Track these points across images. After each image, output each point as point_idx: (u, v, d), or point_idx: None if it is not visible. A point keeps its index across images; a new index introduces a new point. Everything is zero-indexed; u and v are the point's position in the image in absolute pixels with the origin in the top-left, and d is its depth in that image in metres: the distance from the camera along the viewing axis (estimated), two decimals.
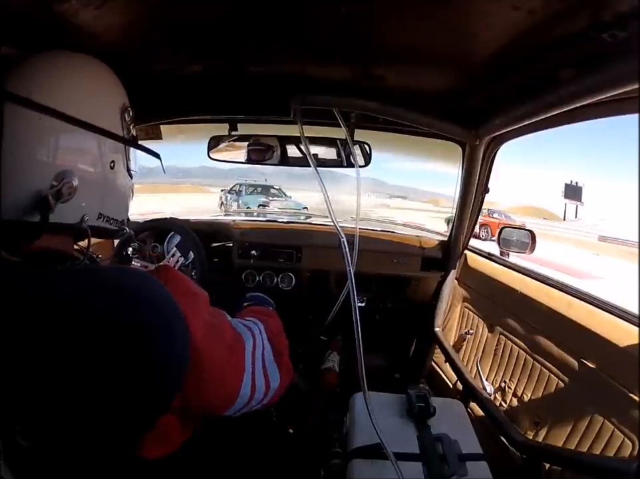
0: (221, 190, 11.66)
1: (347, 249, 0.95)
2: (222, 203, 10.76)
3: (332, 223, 1.73)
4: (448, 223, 2.04)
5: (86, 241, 0.56)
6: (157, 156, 0.69)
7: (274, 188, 11.15)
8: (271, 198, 10.25)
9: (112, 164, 0.58)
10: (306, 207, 8.87)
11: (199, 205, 10.65)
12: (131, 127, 0.62)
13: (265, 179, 11.66)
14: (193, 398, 0.51)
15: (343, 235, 0.97)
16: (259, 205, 9.12)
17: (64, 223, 0.53)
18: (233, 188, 11.01)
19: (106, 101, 0.58)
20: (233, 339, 0.59)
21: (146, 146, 0.68)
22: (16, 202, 0.49)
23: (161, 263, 0.98)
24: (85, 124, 0.53)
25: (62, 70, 0.54)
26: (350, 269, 0.94)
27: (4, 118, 0.47)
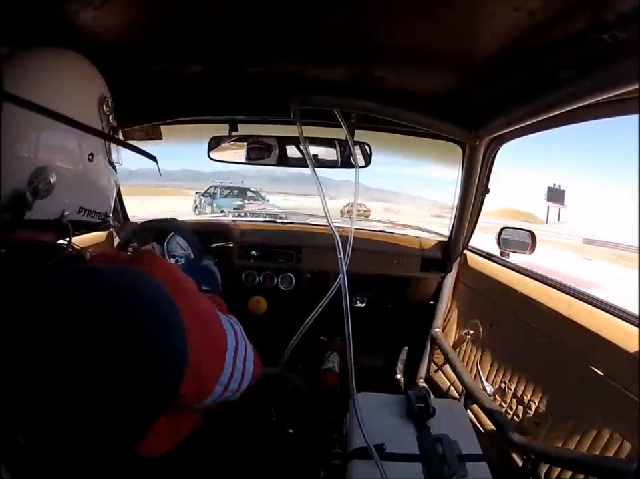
0: (196, 193, 11.13)
1: (341, 249, 0.95)
2: (196, 206, 10.36)
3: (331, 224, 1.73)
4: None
5: (79, 235, 0.56)
6: (144, 153, 0.68)
7: (251, 191, 10.83)
8: (247, 201, 9.96)
9: (90, 157, 0.56)
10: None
11: (176, 208, 10.14)
12: (110, 118, 0.61)
13: (242, 182, 11.31)
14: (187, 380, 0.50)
15: (338, 236, 0.97)
16: (234, 209, 8.76)
17: (44, 219, 0.52)
18: (208, 191, 10.65)
19: (82, 92, 0.57)
20: (217, 335, 0.58)
21: (142, 146, 0.67)
22: None
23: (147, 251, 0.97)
24: (61, 117, 0.52)
25: (35, 63, 0.53)
26: (342, 269, 0.93)
27: None
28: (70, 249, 0.55)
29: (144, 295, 0.47)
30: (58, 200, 0.53)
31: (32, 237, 0.52)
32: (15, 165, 0.49)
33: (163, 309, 0.47)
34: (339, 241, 0.97)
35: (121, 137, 0.65)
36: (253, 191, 10.90)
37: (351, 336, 0.90)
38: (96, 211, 0.59)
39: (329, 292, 1.13)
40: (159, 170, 0.71)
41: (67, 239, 0.55)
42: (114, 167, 0.63)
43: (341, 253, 0.95)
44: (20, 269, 0.47)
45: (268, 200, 11.24)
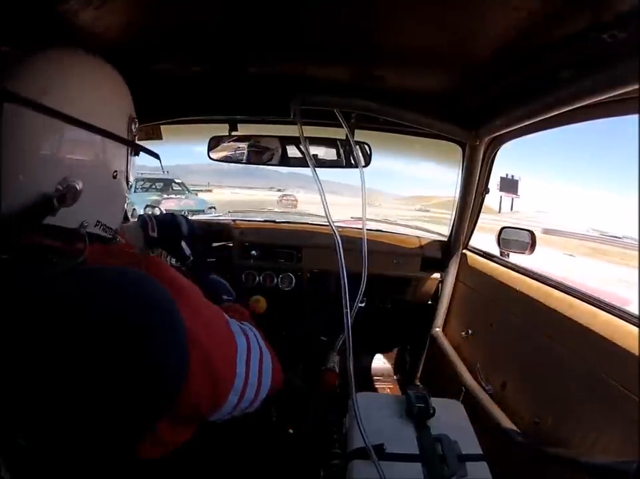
0: None
1: (341, 249, 0.94)
2: None
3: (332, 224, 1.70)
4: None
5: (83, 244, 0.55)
6: (157, 157, 0.71)
7: (175, 182, 9.39)
8: (166, 195, 8.52)
9: (115, 174, 0.59)
10: (213, 207, 7.90)
11: None
12: (136, 138, 0.63)
13: (167, 172, 9.63)
14: (182, 395, 0.50)
15: (338, 236, 0.96)
16: (147, 206, 7.71)
17: (63, 227, 0.52)
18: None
19: (117, 109, 0.59)
20: (225, 337, 0.57)
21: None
22: (19, 202, 0.49)
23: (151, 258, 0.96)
24: (100, 130, 0.54)
25: (75, 71, 0.53)
26: (342, 269, 0.92)
27: (14, 117, 0.47)
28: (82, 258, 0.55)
29: (144, 295, 0.47)
30: (80, 211, 0.53)
31: (42, 241, 0.52)
32: (45, 169, 0.50)
33: (164, 309, 0.47)
34: (339, 240, 0.96)
35: None
36: (178, 183, 9.46)
37: (351, 336, 0.89)
38: (109, 227, 0.60)
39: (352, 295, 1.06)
40: (162, 167, 0.72)
41: (82, 249, 0.55)
42: (129, 186, 0.65)
43: (341, 253, 0.94)
44: (23, 268, 0.47)
45: (196, 194, 9.99)
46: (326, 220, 2.07)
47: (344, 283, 0.91)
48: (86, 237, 0.55)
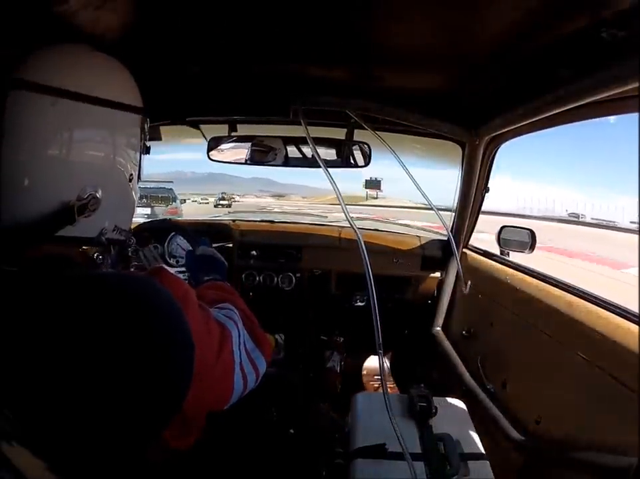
0: None
1: (364, 250, 0.88)
2: None
3: (330, 224, 1.72)
4: None
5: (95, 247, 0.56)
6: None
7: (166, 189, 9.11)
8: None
9: (130, 177, 0.59)
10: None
11: None
12: (146, 138, 0.64)
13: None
14: (189, 400, 0.50)
15: (361, 236, 0.90)
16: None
17: (83, 237, 0.52)
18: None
19: (134, 108, 0.59)
20: (220, 335, 0.57)
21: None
22: (37, 210, 0.48)
23: (158, 264, 0.94)
24: (132, 108, 0.56)
25: (89, 67, 0.54)
26: (368, 269, 0.85)
27: (35, 120, 0.48)
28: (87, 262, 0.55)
29: (152, 303, 0.46)
30: (100, 218, 0.53)
31: (49, 252, 0.51)
32: (68, 179, 0.50)
33: (172, 317, 0.47)
34: (362, 240, 0.90)
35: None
36: (169, 190, 9.22)
37: (381, 336, 0.84)
38: (124, 229, 0.60)
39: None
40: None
41: (101, 257, 0.56)
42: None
43: (365, 253, 0.86)
44: (29, 279, 0.47)
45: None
46: (325, 220, 2.08)
47: (371, 283, 0.84)
48: (106, 244, 0.55)
